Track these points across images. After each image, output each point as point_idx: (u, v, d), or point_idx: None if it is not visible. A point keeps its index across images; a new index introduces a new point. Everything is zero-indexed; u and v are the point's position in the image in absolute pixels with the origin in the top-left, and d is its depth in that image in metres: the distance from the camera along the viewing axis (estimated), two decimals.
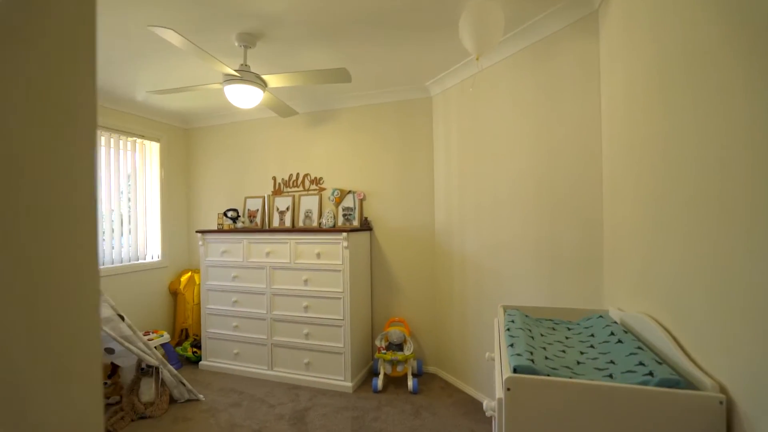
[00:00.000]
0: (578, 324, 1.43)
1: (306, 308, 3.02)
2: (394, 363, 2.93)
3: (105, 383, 2.71)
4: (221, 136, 4.00)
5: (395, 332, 3.03)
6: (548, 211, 2.17)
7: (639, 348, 1.05)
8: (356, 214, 3.40)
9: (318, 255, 3.01)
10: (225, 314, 3.30)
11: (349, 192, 3.44)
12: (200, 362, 3.37)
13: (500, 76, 2.48)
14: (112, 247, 3.38)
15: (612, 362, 1.03)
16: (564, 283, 2.08)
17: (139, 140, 3.64)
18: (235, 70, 2.15)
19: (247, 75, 2.19)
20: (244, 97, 2.26)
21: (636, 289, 1.38)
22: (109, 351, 2.71)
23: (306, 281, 3.03)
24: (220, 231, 3.38)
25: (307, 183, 3.64)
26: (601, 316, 1.40)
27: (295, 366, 3.06)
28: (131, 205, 3.60)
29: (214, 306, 3.35)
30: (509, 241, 2.44)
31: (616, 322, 1.32)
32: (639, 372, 0.92)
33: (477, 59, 2.01)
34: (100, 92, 3.10)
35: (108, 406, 2.67)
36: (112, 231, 3.40)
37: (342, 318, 2.91)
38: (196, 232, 3.44)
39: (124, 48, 2.35)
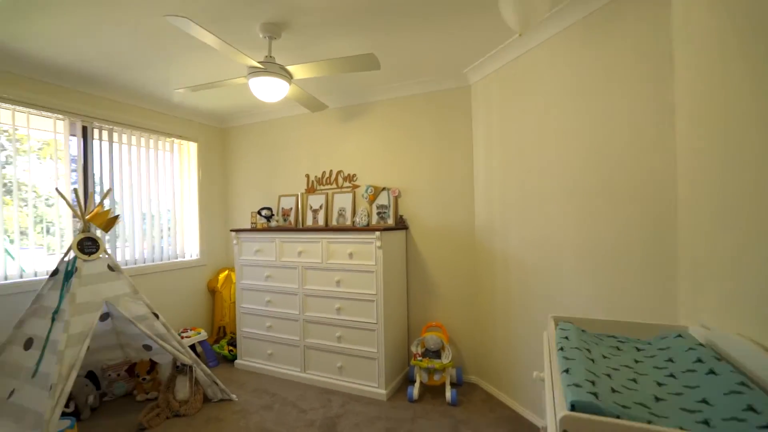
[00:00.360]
0: (650, 344, 1.17)
1: (338, 310, 2.91)
2: (431, 371, 2.74)
3: (144, 379, 2.76)
4: (255, 134, 4.00)
5: (432, 338, 2.84)
6: (606, 206, 1.88)
7: (743, 384, 0.79)
8: (391, 212, 3.23)
9: (350, 255, 2.88)
10: (259, 314, 3.27)
11: (384, 189, 3.29)
12: (236, 361, 3.37)
13: (548, 56, 2.21)
14: (154, 247, 3.47)
15: (705, 402, 0.79)
16: (626, 289, 1.78)
17: (177, 141, 3.71)
18: (259, 62, 2.06)
19: (271, 67, 2.09)
20: (270, 90, 2.17)
21: (729, 301, 1.09)
22: (147, 348, 2.75)
23: (338, 282, 2.92)
24: (253, 230, 3.36)
25: (340, 180, 3.53)
26: (680, 335, 1.13)
27: (327, 369, 2.96)
28: (170, 205, 3.68)
29: (249, 305, 3.33)
30: (559, 240, 2.17)
31: (701, 344, 1.05)
32: (750, 421, 0.68)
33: (519, 35, 1.77)
34: (138, 94, 3.17)
35: (147, 401, 2.71)
36: (153, 232, 3.49)
37: (375, 321, 2.77)
38: (231, 231, 3.44)
39: (155, 48, 2.35)
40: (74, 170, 2.93)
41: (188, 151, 3.85)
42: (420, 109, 3.16)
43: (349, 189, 3.47)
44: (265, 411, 2.58)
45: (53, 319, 2.09)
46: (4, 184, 2.54)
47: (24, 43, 2.24)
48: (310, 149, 3.68)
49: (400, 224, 3.18)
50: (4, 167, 2.56)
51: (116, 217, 2.44)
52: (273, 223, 3.56)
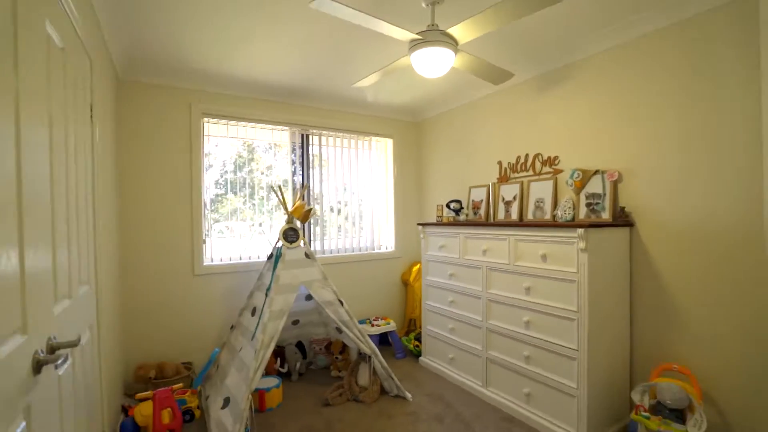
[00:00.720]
0: None
1: (527, 324, 2.36)
2: None
3: (336, 358, 3.03)
4: (446, 123, 3.82)
5: (671, 388, 1.90)
6: None
7: None
8: (606, 202, 2.39)
9: (543, 257, 2.28)
10: (442, 313, 3.08)
11: (596, 172, 2.47)
12: (420, 358, 3.30)
13: None
14: (353, 239, 3.82)
15: None
16: None
17: (375, 138, 3.96)
18: (418, 33, 1.82)
19: (431, 35, 1.81)
20: (433, 62, 1.89)
21: None
22: (338, 330, 3.00)
23: (528, 290, 2.37)
24: (437, 224, 3.18)
25: (537, 165, 2.90)
26: None
27: (512, 392, 2.46)
28: (368, 199, 3.96)
29: (433, 303, 3.19)
30: None
31: None
32: None
33: None
34: (340, 100, 3.51)
35: (338, 378, 2.96)
36: (353, 224, 3.84)
37: (576, 347, 2.08)
38: (417, 224, 3.38)
39: (343, 53, 2.48)
40: (294, 172, 3.53)
41: (384, 147, 4.05)
42: (655, 52, 2.18)
43: (549, 175, 2.80)
44: (436, 422, 2.35)
45: (266, 295, 2.50)
46: (251, 186, 3.29)
47: (252, 71, 2.79)
48: (503, 132, 3.19)
49: (620, 219, 2.30)
50: (251, 173, 3.32)
51: (311, 210, 2.74)
52: (462, 217, 3.29)
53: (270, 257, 2.77)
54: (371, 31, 2.19)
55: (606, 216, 2.37)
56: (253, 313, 2.60)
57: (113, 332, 2.25)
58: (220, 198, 3.24)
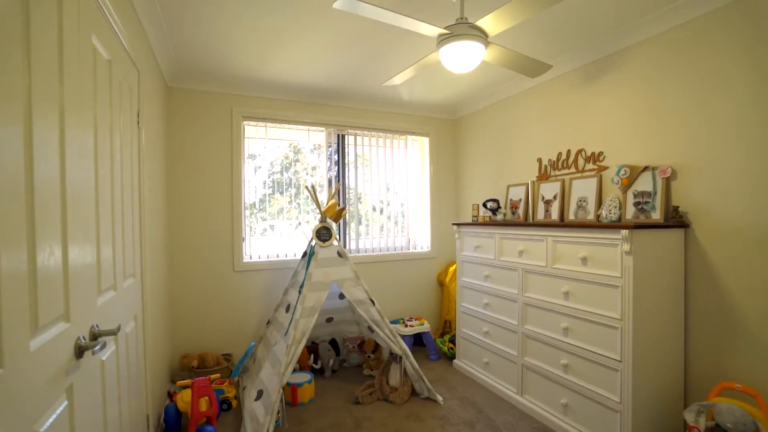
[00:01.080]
0: None
1: (565, 331, 2.23)
2: None
3: (369, 356, 3.05)
4: (483, 120, 3.71)
5: (732, 411, 1.71)
6: None
7: None
8: (657, 201, 2.20)
9: (583, 260, 2.14)
10: (477, 316, 2.99)
11: (645, 169, 2.28)
12: (454, 360, 3.23)
13: None
14: (388, 238, 3.81)
15: None
16: None
17: (410, 137, 3.93)
18: (445, 27, 1.77)
19: (459, 29, 1.76)
20: (461, 57, 1.84)
21: None
22: (370, 329, 3.01)
23: (566, 294, 2.24)
24: (472, 224, 3.09)
25: (580, 162, 2.74)
26: None
27: (548, 402, 2.34)
28: (404, 198, 3.94)
29: (468, 305, 3.11)
30: None
31: None
32: None
33: None
34: (376, 99, 3.52)
35: (370, 377, 2.98)
36: (389, 224, 3.84)
37: (619, 359, 1.93)
38: (452, 224, 3.31)
39: (378, 53, 2.49)
40: (330, 170, 3.59)
41: (420, 146, 4.01)
42: (713, 34, 1.97)
43: (592, 172, 2.64)
44: (466, 428, 2.28)
45: (300, 292, 2.57)
46: (296, 186, 3.40)
47: (287, 73, 2.88)
48: (543, 127, 3.04)
49: (673, 220, 2.11)
50: (296, 173, 3.45)
51: (343, 209, 2.78)
52: (499, 217, 3.18)
53: (304, 255, 2.84)
54: (401, 29, 2.17)
55: (657, 216, 2.18)
56: (287, 310, 2.68)
57: (160, 322, 2.41)
58: (267, 198, 3.38)
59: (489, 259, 2.88)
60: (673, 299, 2.06)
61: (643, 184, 2.28)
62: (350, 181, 3.66)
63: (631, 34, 2.31)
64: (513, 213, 3.26)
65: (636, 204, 2.30)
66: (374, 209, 3.78)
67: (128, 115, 1.68)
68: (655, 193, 2.21)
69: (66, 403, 0.95)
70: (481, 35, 1.78)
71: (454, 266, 3.81)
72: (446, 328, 3.79)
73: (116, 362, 1.41)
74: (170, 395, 2.41)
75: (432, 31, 1.77)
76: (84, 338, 1.06)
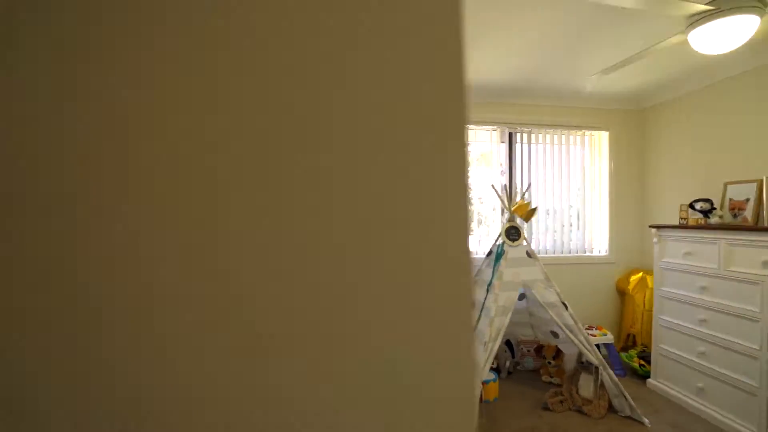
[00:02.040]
0: None
1: None
2: None
3: (549, 362, 2.91)
4: (681, 109, 3.18)
5: None
6: None
7: None
8: None
9: None
10: (686, 332, 2.60)
11: None
12: (648, 379, 2.87)
13: None
14: (562, 240, 3.58)
15: None
16: None
17: (588, 133, 3.61)
18: (707, 4, 1.55)
19: (727, 2, 1.52)
20: (725, 35, 1.60)
21: None
22: (554, 334, 2.87)
23: None
24: (681, 227, 2.69)
25: None
26: None
27: None
28: (579, 198, 3.65)
29: (670, 318, 2.72)
30: None
31: None
32: None
33: None
34: (553, 94, 3.33)
35: (550, 384, 2.84)
36: (562, 225, 3.60)
37: None
38: (650, 227, 2.93)
39: (565, 44, 2.36)
40: (502, 171, 3.53)
41: (599, 141, 3.66)
42: None
43: None
44: None
45: (487, 290, 2.59)
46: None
47: (473, 77, 2.92)
48: None
49: None
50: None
51: (535, 209, 2.70)
52: (713, 219, 2.71)
53: (489, 254, 2.84)
54: (614, 16, 2.00)
55: None
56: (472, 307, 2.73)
57: None
58: None
59: (709, 268, 2.46)
60: None
61: None
62: (522, 180, 3.54)
63: None
64: (734, 216, 2.73)
65: None
66: (547, 212, 3.58)
67: None
68: None
69: None
70: (759, 5, 1.51)
71: (639, 274, 3.38)
72: (629, 341, 3.40)
73: None
74: None
75: (690, 9, 1.57)
76: None
